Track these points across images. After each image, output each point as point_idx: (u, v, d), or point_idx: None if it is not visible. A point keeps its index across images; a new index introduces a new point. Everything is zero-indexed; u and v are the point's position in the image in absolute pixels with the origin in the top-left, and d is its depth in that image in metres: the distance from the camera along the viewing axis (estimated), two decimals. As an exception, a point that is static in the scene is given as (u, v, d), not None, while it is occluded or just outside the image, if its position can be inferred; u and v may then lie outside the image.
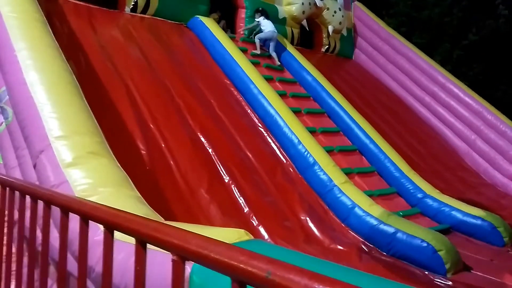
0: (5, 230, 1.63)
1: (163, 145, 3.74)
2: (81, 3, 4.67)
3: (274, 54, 5.68)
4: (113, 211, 0.93)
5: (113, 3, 5.01)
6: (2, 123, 2.58)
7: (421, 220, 4.23)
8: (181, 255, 0.72)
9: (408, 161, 4.97)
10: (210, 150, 3.93)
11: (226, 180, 3.73)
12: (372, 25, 7.66)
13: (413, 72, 7.08)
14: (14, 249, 1.78)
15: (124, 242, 1.00)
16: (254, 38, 5.69)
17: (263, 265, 0.58)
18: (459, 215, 4.26)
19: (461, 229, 4.22)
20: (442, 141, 6.61)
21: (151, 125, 3.83)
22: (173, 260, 0.72)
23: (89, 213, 1.00)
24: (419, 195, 4.49)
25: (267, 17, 5.76)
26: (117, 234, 0.94)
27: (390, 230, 3.52)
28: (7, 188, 1.66)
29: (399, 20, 9.77)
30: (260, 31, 5.71)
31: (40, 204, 1.36)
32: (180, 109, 4.22)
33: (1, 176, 1.74)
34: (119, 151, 2.55)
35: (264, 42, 5.74)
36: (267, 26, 5.63)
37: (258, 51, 5.61)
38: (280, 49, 5.98)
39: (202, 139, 4.00)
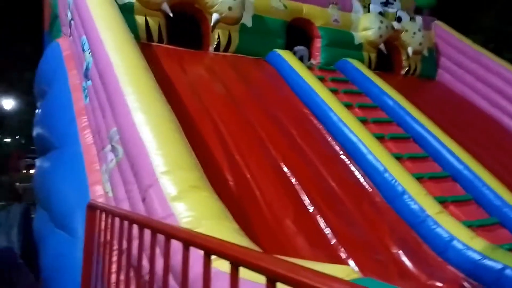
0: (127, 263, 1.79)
1: (248, 176, 3.86)
2: (171, 46, 5.13)
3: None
4: (241, 249, 0.99)
5: (198, 44, 5.42)
6: (112, 160, 2.89)
7: (531, 254, 3.77)
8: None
9: (510, 187, 4.51)
10: (293, 180, 3.95)
11: (311, 210, 3.70)
12: (455, 43, 7.27)
13: (507, 89, 6.51)
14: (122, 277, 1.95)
15: (245, 279, 1.05)
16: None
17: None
18: None
19: None
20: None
21: (237, 157, 3.99)
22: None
23: (214, 248, 1.08)
24: (527, 226, 4.02)
25: None
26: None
27: (497, 266, 3.19)
28: (126, 221, 1.84)
29: (486, 36, 9.13)
30: None
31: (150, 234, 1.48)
32: (263, 140, 4.34)
33: (120, 210, 1.94)
34: (210, 183, 2.70)
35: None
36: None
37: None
38: (358, 74, 5.93)
39: (285, 169, 4.05)
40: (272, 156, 4.17)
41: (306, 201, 3.77)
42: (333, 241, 3.43)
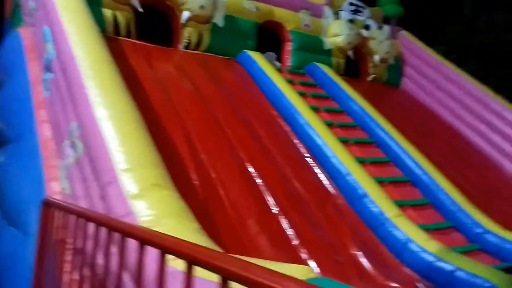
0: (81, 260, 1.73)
1: (213, 176, 3.84)
2: (139, 42, 5.02)
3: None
4: (197, 247, 0.98)
5: (168, 41, 5.33)
6: (71, 155, 2.79)
7: (481, 257, 3.97)
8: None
9: (464, 193, 4.73)
10: (258, 181, 3.97)
11: (275, 211, 3.73)
12: (419, 53, 7.56)
13: (466, 99, 6.84)
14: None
15: (200, 278, 1.04)
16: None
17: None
18: (524, 253, 3.97)
19: (527, 268, 3.91)
20: (501, 172, 6.23)
21: (203, 156, 3.96)
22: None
23: (169, 247, 1.06)
24: (478, 230, 4.23)
25: None
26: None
27: (449, 267, 3.34)
28: (81, 219, 1.78)
29: (449, 47, 9.56)
30: None
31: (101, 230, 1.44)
32: (230, 140, 4.34)
33: (77, 207, 1.88)
34: (173, 181, 2.66)
35: None
36: None
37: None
38: (326, 79, 6.04)
39: (251, 169, 4.06)
40: (238, 156, 4.17)
41: (271, 202, 3.79)
42: (296, 242, 3.47)
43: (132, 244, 1.35)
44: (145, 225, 1.96)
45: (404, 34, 7.77)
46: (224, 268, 0.85)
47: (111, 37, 4.69)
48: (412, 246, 3.55)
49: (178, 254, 1.03)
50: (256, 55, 5.64)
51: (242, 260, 0.85)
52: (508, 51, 9.46)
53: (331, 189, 4.25)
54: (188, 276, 0.96)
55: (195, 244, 1.01)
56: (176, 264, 1.26)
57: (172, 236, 1.11)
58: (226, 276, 0.86)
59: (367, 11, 7.17)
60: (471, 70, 7.49)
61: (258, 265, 0.80)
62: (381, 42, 7.04)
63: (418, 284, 3.29)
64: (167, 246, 1.08)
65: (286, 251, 3.35)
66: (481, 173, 5.92)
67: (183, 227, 1.95)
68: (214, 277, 0.91)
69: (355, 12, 6.97)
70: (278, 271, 0.79)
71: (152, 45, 5.10)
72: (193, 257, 0.97)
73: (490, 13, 10.03)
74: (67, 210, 2.02)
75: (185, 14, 5.22)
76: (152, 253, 1.26)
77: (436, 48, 7.96)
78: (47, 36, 3.64)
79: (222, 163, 3.97)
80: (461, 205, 4.44)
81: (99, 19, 4.33)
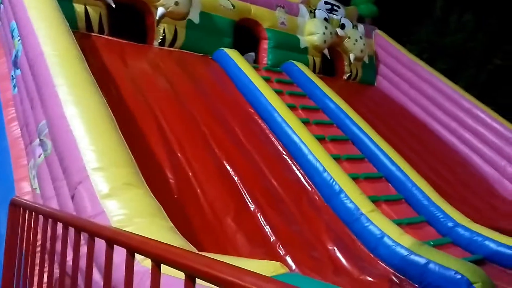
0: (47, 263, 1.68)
1: (190, 174, 3.80)
2: (112, 38, 4.92)
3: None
4: (163, 246, 0.97)
5: (143, 38, 5.25)
6: (41, 155, 2.70)
7: (453, 250, 4.09)
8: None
9: (436, 188, 4.87)
10: (235, 178, 3.97)
11: (252, 209, 3.74)
12: (393, 52, 7.72)
13: (438, 97, 7.04)
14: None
15: (170, 276, 1.03)
16: None
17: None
18: (492, 245, 4.11)
19: (495, 260, 4.06)
20: (471, 167, 6.45)
21: (179, 154, 3.92)
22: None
23: (136, 246, 1.04)
24: (450, 224, 4.36)
25: None
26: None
27: (422, 261, 3.42)
28: (50, 220, 1.73)
29: (421, 47, 9.79)
30: None
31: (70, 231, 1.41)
32: (206, 138, 4.31)
33: (44, 207, 1.82)
34: (149, 180, 2.62)
35: None
36: None
37: None
38: (302, 77, 6.08)
39: (228, 167, 4.05)
40: (215, 154, 4.15)
41: (248, 199, 3.79)
42: (272, 238, 3.49)
43: (102, 244, 1.32)
44: (116, 224, 1.92)
45: (379, 33, 7.91)
46: (190, 266, 0.85)
47: (83, 33, 4.59)
48: (387, 241, 3.62)
49: (145, 253, 1.01)
50: (232, 53, 5.62)
51: (207, 257, 0.84)
52: (477, 50, 9.79)
53: (307, 185, 4.29)
54: (155, 274, 0.95)
55: (161, 242, 1.00)
56: (148, 264, 1.25)
57: (139, 235, 1.09)
58: (192, 274, 0.85)
59: (342, 10, 7.26)
60: (442, 69, 7.70)
61: (222, 262, 0.80)
62: (356, 41, 7.14)
63: (393, 278, 3.36)
64: (133, 245, 1.06)
65: (263, 248, 3.36)
66: (452, 169, 6.11)
67: (155, 226, 1.92)
68: (182, 275, 0.90)
69: (331, 11, 7.04)
70: (246, 267, 0.79)
71: (126, 41, 5.00)
72: (159, 256, 0.95)
73: (460, 14, 10.33)
74: (34, 210, 1.95)
75: (160, 10, 5.15)
76: (123, 253, 1.24)
77: (409, 47, 8.15)
78: (14, 32, 3.52)
79: (199, 161, 3.94)
80: (433, 200, 4.56)
81: (69, 14, 4.22)
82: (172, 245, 0.94)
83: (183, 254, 0.88)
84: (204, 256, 0.86)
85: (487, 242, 4.13)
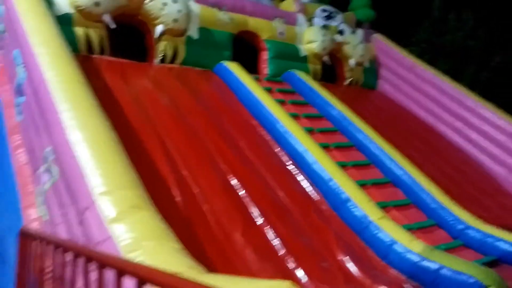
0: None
1: (196, 191, 3.80)
2: (113, 59, 4.97)
3: None
4: (171, 277, 0.97)
5: (143, 56, 5.30)
6: (47, 181, 2.73)
7: (465, 253, 4.05)
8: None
9: (445, 190, 4.82)
10: (242, 192, 3.96)
11: (260, 222, 3.72)
12: (394, 54, 7.72)
13: (441, 98, 7.00)
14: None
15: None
16: None
17: None
18: (505, 246, 4.06)
19: (508, 260, 4.01)
20: (478, 166, 6.39)
21: (184, 172, 3.92)
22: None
23: (146, 277, 1.05)
24: (460, 226, 4.32)
25: None
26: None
27: (434, 266, 3.39)
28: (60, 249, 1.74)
29: (422, 48, 9.78)
30: None
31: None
32: (211, 153, 4.31)
33: (58, 239, 1.83)
34: (155, 199, 2.63)
35: None
36: None
37: None
38: (304, 85, 6.09)
39: (234, 181, 4.05)
40: (220, 169, 4.15)
41: (255, 213, 3.78)
42: (282, 252, 3.47)
43: (111, 274, 1.33)
44: (124, 249, 1.92)
45: (378, 37, 7.92)
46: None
47: (84, 56, 4.64)
48: (397, 248, 3.59)
49: (155, 283, 1.02)
50: (233, 66, 5.65)
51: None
52: (478, 49, 9.76)
53: (314, 195, 4.27)
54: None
55: (169, 273, 1.00)
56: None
57: (147, 267, 1.10)
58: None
59: (340, 16, 7.29)
60: (444, 70, 7.68)
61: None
62: (355, 46, 7.16)
63: (405, 285, 3.33)
64: (142, 275, 1.07)
65: (273, 262, 3.34)
66: (459, 169, 6.05)
67: (164, 249, 1.92)
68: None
69: (328, 18, 7.08)
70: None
71: (127, 61, 5.06)
72: (168, 285, 0.95)
73: (458, 12, 10.32)
74: (44, 240, 1.97)
75: (159, 28, 5.20)
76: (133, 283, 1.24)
77: (410, 49, 8.14)
78: (17, 59, 3.58)
79: (204, 177, 3.94)
80: (443, 203, 4.52)
81: (70, 38, 4.28)
82: (181, 277, 0.94)
83: (193, 285, 0.88)
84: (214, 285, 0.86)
85: (499, 243, 4.08)
